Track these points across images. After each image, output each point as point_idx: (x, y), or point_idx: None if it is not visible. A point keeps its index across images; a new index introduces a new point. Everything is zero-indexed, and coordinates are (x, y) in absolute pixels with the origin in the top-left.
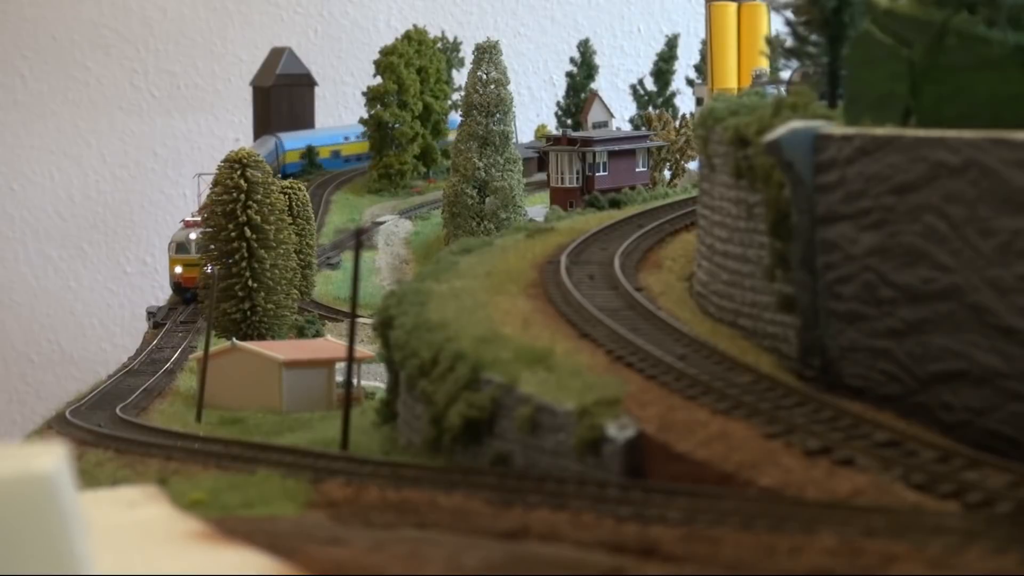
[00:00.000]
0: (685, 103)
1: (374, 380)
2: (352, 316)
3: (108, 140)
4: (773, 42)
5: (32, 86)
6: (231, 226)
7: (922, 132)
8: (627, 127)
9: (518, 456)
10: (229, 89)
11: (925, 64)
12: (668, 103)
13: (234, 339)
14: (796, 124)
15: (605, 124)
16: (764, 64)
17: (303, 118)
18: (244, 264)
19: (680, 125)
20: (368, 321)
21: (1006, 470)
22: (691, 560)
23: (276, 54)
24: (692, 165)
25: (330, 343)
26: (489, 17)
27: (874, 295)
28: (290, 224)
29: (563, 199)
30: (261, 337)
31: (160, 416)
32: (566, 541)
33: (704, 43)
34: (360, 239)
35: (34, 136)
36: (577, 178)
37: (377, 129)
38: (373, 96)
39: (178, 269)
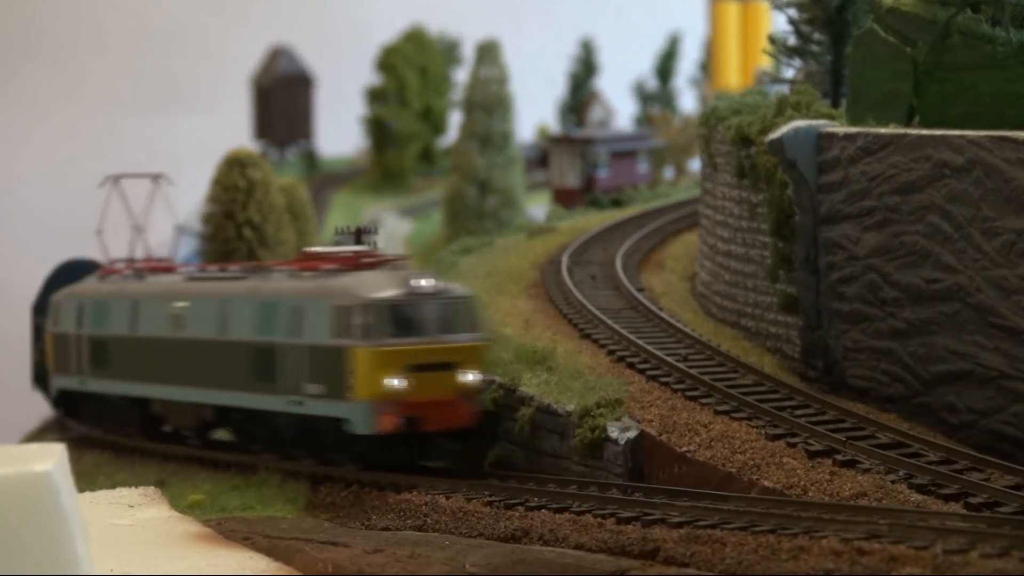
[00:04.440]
0: (688, 102)
1: None
2: None
3: (107, 140)
4: (776, 41)
5: (31, 86)
6: (230, 226)
7: (926, 131)
8: (629, 126)
9: (519, 457)
10: (228, 88)
11: (929, 63)
12: (670, 102)
13: None
14: (799, 123)
15: (607, 123)
16: (767, 63)
17: (303, 117)
18: None
19: (683, 124)
20: None
21: (1011, 471)
22: (693, 562)
23: (275, 52)
24: (694, 164)
25: None
26: (490, 15)
27: (877, 295)
28: (290, 224)
29: (564, 199)
30: None
31: None
32: (567, 543)
33: (707, 42)
34: (360, 239)
35: (34, 136)
36: (579, 177)
37: (378, 128)
38: (374, 95)
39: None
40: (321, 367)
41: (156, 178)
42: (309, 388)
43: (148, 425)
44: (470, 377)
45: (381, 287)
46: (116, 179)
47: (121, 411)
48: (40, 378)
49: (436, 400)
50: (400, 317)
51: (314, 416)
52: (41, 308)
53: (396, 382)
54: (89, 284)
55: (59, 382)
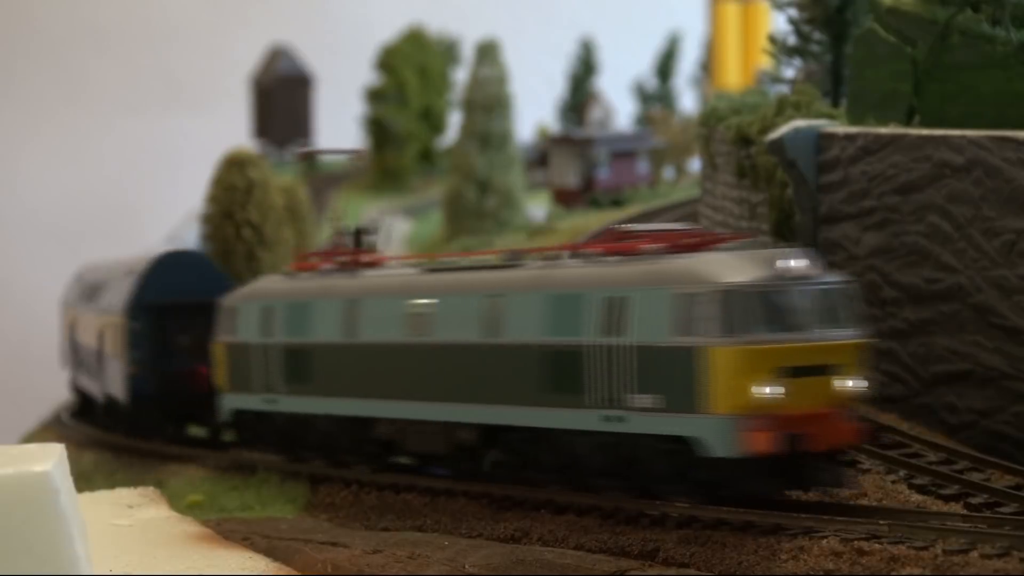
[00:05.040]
0: (687, 102)
1: None
2: None
3: (107, 140)
4: (776, 40)
5: (32, 86)
6: (229, 226)
7: (926, 131)
8: (629, 126)
9: None
10: (228, 88)
11: (929, 62)
12: (670, 102)
13: None
14: (799, 123)
15: (606, 123)
16: (767, 63)
17: (302, 117)
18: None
19: (683, 124)
20: None
21: (1011, 471)
22: (693, 563)
23: (275, 52)
24: (694, 164)
25: None
26: (489, 14)
27: (877, 295)
28: (289, 224)
29: (564, 199)
30: None
31: None
32: (567, 543)
33: (707, 42)
34: (359, 239)
35: (34, 136)
36: (578, 177)
37: (377, 128)
38: (373, 95)
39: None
40: (656, 373)
41: (354, 154)
42: (636, 400)
43: (371, 450)
44: (850, 384)
45: (740, 269)
46: (310, 156)
47: (330, 435)
48: (141, 397)
49: (815, 413)
50: (770, 307)
51: (639, 436)
52: (136, 312)
53: (769, 390)
54: (273, 282)
55: (235, 401)
